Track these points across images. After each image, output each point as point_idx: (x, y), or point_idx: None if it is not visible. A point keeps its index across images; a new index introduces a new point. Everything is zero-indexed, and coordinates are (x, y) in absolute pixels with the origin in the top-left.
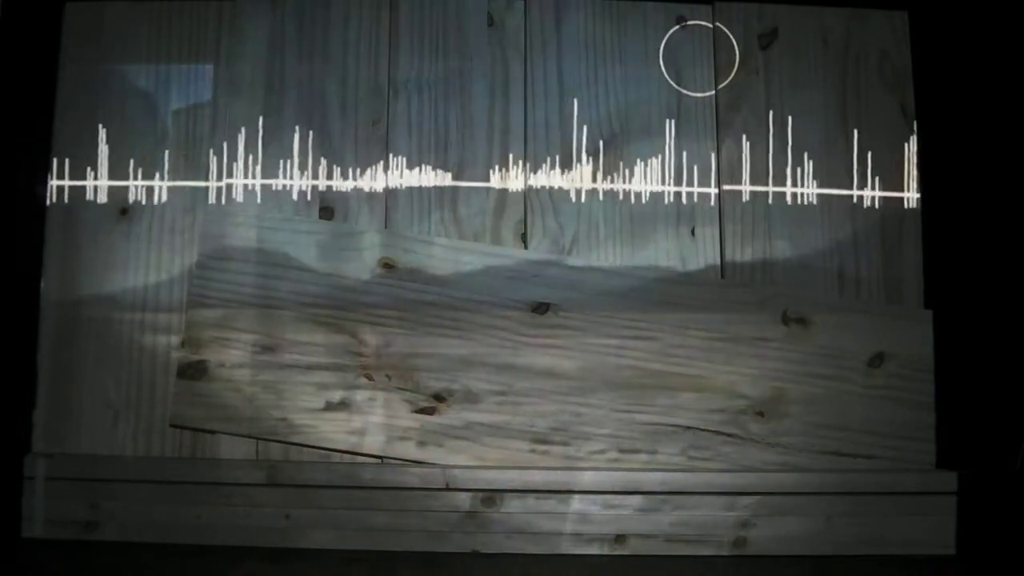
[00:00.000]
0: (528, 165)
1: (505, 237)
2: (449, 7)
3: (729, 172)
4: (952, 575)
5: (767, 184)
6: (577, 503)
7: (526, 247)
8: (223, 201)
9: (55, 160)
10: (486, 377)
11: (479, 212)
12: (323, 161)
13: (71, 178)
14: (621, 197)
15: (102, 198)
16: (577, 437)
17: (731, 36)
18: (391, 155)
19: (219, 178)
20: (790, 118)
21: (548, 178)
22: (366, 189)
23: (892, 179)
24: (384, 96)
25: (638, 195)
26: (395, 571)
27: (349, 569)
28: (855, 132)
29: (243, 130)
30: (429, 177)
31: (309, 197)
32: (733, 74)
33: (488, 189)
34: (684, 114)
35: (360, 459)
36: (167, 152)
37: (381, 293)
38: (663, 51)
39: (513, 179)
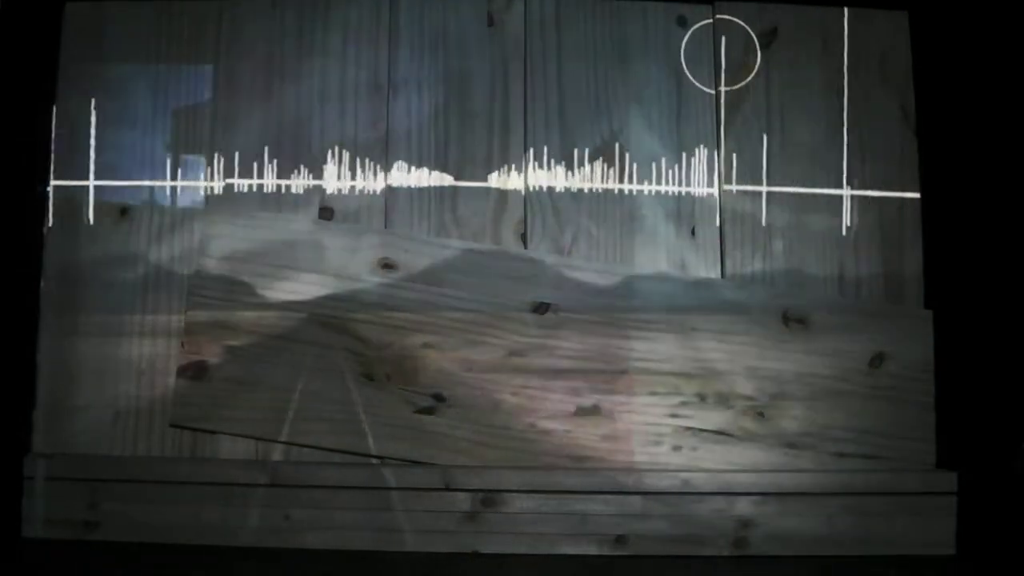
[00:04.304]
0: (528, 165)
1: (505, 237)
2: (449, 7)
3: (729, 172)
4: (952, 575)
5: (767, 184)
6: (577, 503)
7: (526, 247)
8: (223, 201)
9: (55, 160)
10: (487, 377)
11: (479, 212)
12: (323, 161)
13: (71, 178)
14: (621, 197)
15: (102, 198)
16: (579, 436)
17: (751, 32)
18: (391, 155)
19: (219, 178)
20: (790, 118)
21: (548, 178)
22: (366, 189)
23: (892, 179)
24: (384, 96)
25: (638, 195)
26: (395, 571)
27: (349, 569)
28: (855, 132)
29: (243, 130)
30: (429, 177)
31: (309, 197)
32: (752, 75)
33: (488, 189)
34: (684, 114)
35: (360, 459)
36: (167, 152)
37: (381, 293)
38: (677, 50)
39: (513, 179)
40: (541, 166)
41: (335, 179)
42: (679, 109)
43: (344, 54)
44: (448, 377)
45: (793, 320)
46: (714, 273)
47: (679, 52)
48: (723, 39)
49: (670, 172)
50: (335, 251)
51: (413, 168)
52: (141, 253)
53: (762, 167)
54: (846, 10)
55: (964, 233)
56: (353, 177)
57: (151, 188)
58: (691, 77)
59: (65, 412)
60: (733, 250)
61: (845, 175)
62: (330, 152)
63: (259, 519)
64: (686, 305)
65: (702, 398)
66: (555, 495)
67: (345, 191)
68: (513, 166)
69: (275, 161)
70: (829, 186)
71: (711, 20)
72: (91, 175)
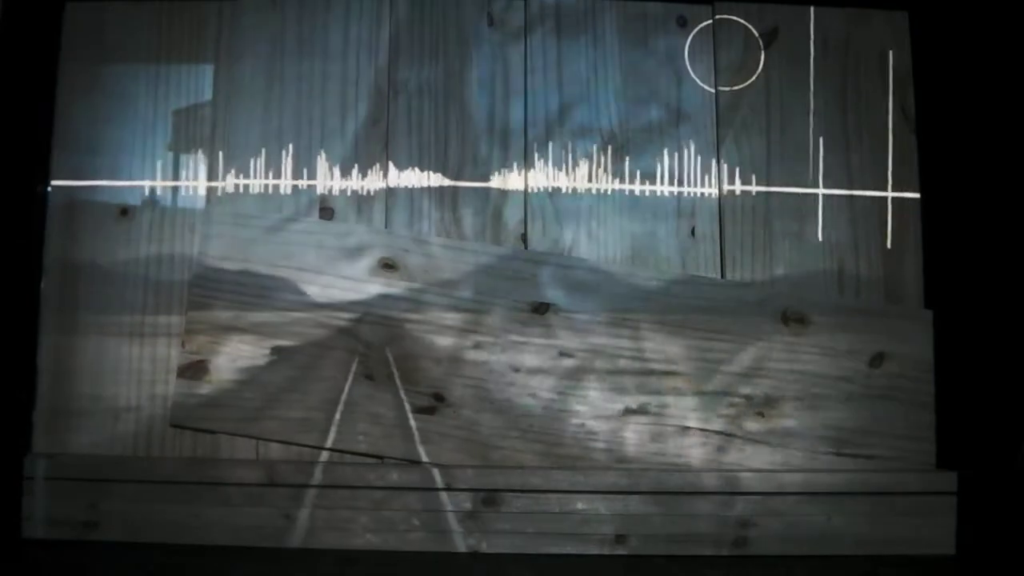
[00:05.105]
0: (528, 165)
1: (505, 237)
2: (449, 7)
3: (729, 172)
4: (952, 575)
5: (767, 184)
6: (577, 503)
7: (526, 247)
8: (223, 201)
9: (55, 160)
10: (486, 377)
11: (479, 212)
12: (323, 161)
13: (71, 178)
14: (621, 197)
15: (102, 198)
16: (579, 437)
17: (754, 32)
18: (391, 155)
19: (219, 178)
20: (790, 118)
21: (548, 178)
22: (366, 189)
23: (892, 179)
24: (384, 96)
25: (638, 195)
26: (395, 571)
27: (349, 569)
28: (855, 132)
29: (243, 130)
30: (429, 177)
31: (309, 197)
32: (755, 76)
33: (488, 189)
34: (684, 114)
35: (360, 459)
36: (167, 152)
37: (381, 293)
38: (677, 50)
39: (513, 179)
40: (541, 166)
41: (335, 179)
42: (679, 109)
43: (344, 54)
44: (448, 377)
45: (793, 320)
46: (714, 273)
47: (679, 52)
48: (724, 39)
49: (670, 172)
50: (335, 251)
51: (413, 168)
52: (141, 253)
53: (762, 167)
54: (846, 10)
55: (964, 233)
56: (353, 177)
57: (151, 188)
58: (694, 76)
59: (65, 412)
60: (733, 250)
61: (844, 175)
62: (330, 152)
63: (259, 519)
64: (686, 305)
65: (701, 398)
66: (555, 495)
67: (345, 191)
68: (513, 166)
69: (275, 161)
70: (829, 186)
71: (711, 20)
72: (91, 175)
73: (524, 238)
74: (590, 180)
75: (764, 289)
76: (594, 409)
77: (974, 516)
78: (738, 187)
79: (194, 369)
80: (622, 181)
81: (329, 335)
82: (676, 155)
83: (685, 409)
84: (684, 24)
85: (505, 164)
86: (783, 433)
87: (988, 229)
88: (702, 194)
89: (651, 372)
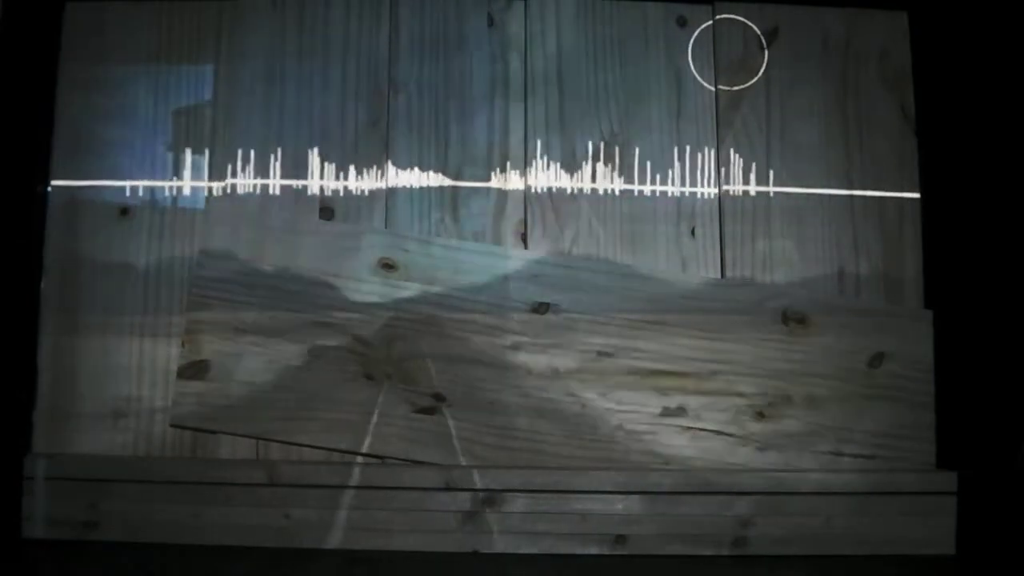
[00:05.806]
0: (528, 165)
1: (505, 237)
2: (449, 7)
3: (729, 172)
4: (952, 575)
5: (767, 184)
6: (577, 503)
7: (526, 247)
8: (223, 201)
9: (55, 160)
10: (486, 377)
11: (479, 212)
12: (323, 161)
13: (71, 178)
14: (621, 197)
15: (102, 198)
16: (579, 436)
17: (757, 32)
18: (391, 155)
19: (219, 178)
20: (790, 118)
21: (548, 178)
22: (366, 189)
23: (892, 179)
24: (384, 96)
25: (638, 195)
26: (395, 571)
27: (349, 569)
28: (855, 132)
29: (243, 130)
30: (429, 177)
31: (309, 197)
32: (758, 76)
33: (488, 189)
34: (684, 114)
35: (360, 459)
36: (167, 152)
37: (381, 293)
38: (677, 50)
39: (513, 179)
40: (541, 166)
41: (335, 179)
42: (679, 109)
43: (344, 54)
44: (449, 377)
45: (793, 320)
46: (714, 273)
47: (679, 52)
48: (724, 39)
49: (670, 172)
50: (335, 251)
51: (413, 168)
52: (141, 253)
53: (762, 167)
54: (846, 10)
55: (964, 233)
56: (353, 177)
57: (151, 188)
58: (695, 75)
59: (65, 412)
60: (733, 250)
61: (845, 175)
62: (330, 152)
63: (259, 519)
64: (685, 305)
65: (700, 398)
66: (555, 495)
67: (345, 191)
68: (513, 166)
69: (275, 161)
70: (829, 186)
71: (712, 20)
72: (91, 175)
73: (524, 238)
74: (590, 180)
75: (764, 289)
76: (592, 409)
77: (974, 516)
78: (738, 187)
79: (194, 369)
80: (622, 180)
81: (329, 335)
82: (676, 155)
83: (683, 409)
84: (684, 24)
85: (505, 164)
86: (783, 433)
87: (988, 229)
88: (702, 194)
89: (649, 372)
